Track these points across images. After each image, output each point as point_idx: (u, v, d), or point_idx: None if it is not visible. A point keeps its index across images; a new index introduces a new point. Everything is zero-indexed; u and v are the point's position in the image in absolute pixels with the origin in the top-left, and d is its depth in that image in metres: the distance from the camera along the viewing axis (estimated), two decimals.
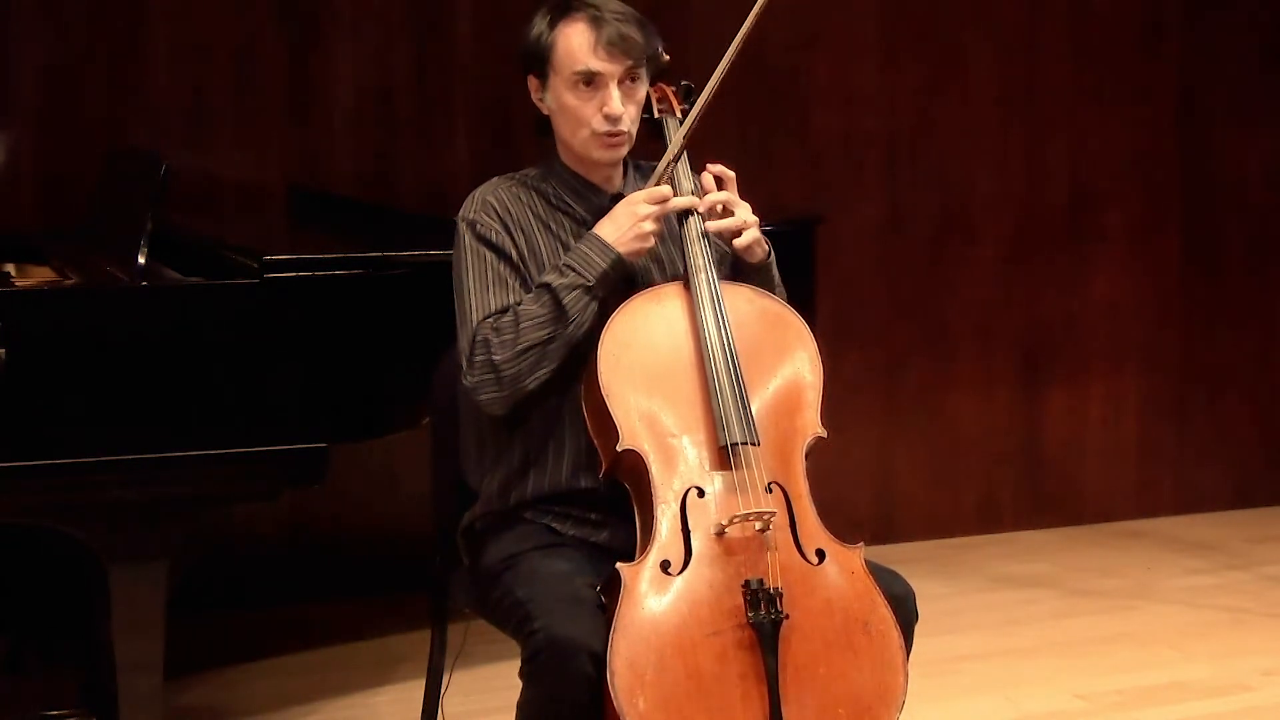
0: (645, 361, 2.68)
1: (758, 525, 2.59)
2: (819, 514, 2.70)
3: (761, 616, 2.52)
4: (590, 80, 2.77)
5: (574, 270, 2.71)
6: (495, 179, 2.91)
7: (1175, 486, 6.04)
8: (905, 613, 2.68)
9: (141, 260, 3.33)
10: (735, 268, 2.89)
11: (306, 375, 3.30)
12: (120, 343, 3.14)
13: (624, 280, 2.79)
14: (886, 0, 5.52)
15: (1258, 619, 4.82)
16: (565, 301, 2.69)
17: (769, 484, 2.65)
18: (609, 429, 2.65)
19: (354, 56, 4.95)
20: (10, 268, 3.73)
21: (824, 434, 2.76)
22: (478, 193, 2.87)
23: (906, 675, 2.61)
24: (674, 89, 2.98)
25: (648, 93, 2.88)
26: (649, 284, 2.82)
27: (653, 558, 2.57)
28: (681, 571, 2.56)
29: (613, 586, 2.56)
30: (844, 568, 2.65)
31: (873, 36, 5.51)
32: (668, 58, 2.89)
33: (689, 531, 2.59)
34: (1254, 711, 4.08)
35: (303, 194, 4.81)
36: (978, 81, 5.65)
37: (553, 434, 2.80)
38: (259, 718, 4.01)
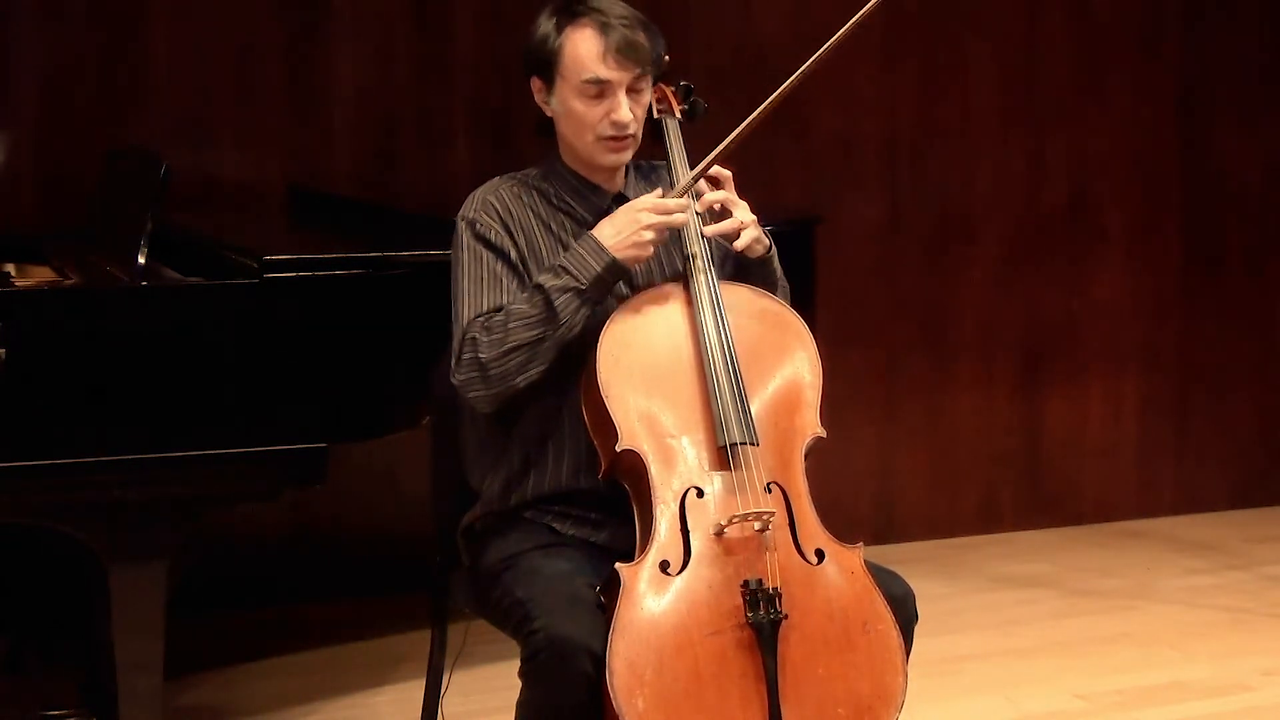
0: (644, 362, 2.68)
1: (757, 525, 2.59)
2: (819, 514, 2.70)
3: (760, 616, 2.52)
4: (599, 88, 2.76)
5: (567, 272, 2.71)
6: (496, 179, 2.91)
7: (1175, 486, 6.04)
8: (905, 613, 2.68)
9: (141, 260, 3.33)
10: (738, 264, 2.89)
11: (306, 375, 3.30)
12: (120, 343, 3.14)
13: (621, 282, 2.79)
14: (886, 0, 5.51)
15: (1258, 619, 4.82)
16: (557, 303, 2.68)
17: (768, 484, 2.65)
18: (608, 429, 2.65)
19: (354, 56, 4.95)
20: (10, 268, 3.73)
21: (823, 434, 2.76)
22: (479, 192, 2.87)
23: (906, 675, 2.62)
24: (673, 89, 2.98)
25: None
26: (648, 285, 2.82)
27: (652, 558, 2.57)
28: (681, 572, 2.56)
29: (612, 586, 2.56)
30: (843, 568, 2.65)
31: (873, 37, 5.51)
32: (668, 58, 2.89)
33: (688, 532, 2.59)
34: (1254, 711, 4.09)
35: (303, 194, 4.81)
36: (978, 81, 5.65)
37: (553, 434, 2.80)
38: (259, 718, 4.01)
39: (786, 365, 2.78)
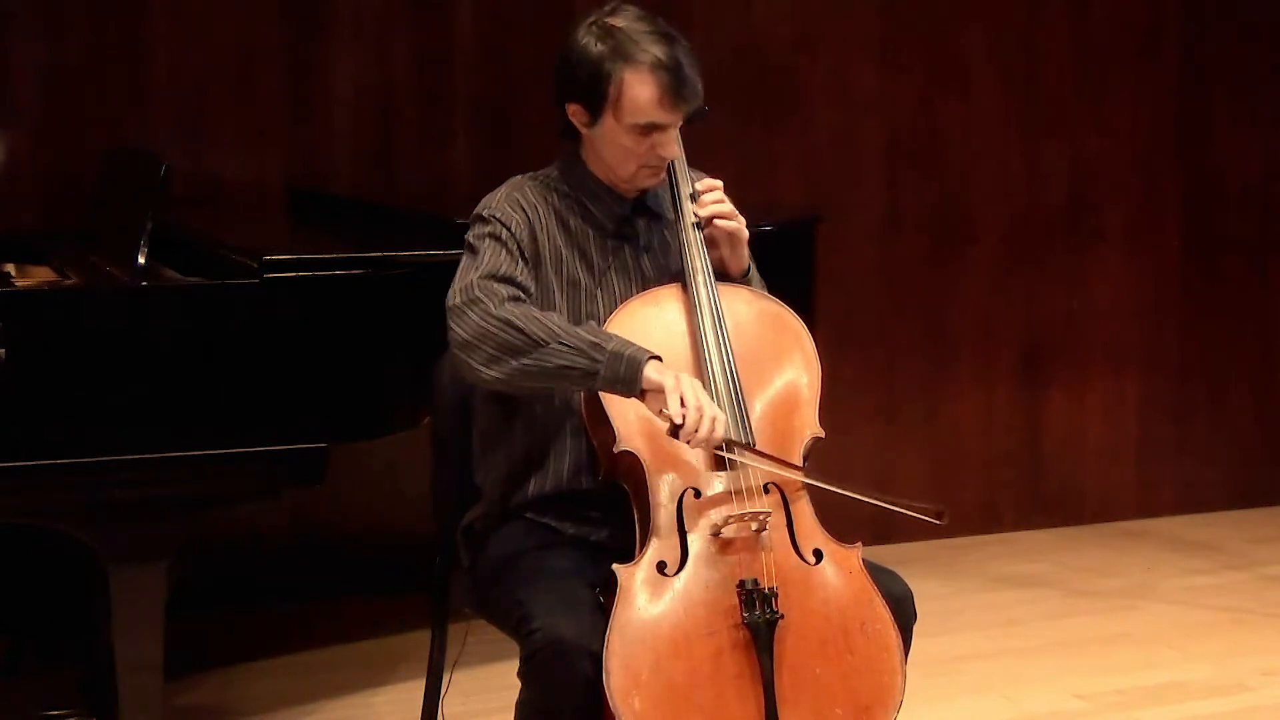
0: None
1: (754, 525, 2.60)
2: (818, 514, 2.70)
3: (756, 616, 2.52)
4: (651, 128, 2.75)
5: (601, 349, 2.59)
6: (519, 178, 2.89)
7: (1175, 486, 6.04)
8: (904, 613, 2.68)
9: (141, 260, 3.33)
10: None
11: (306, 375, 3.30)
12: (120, 343, 3.15)
13: (620, 285, 2.82)
14: (886, 0, 5.52)
15: (1258, 619, 4.82)
16: (567, 343, 2.60)
17: (765, 484, 2.66)
18: (606, 430, 2.65)
19: (354, 56, 4.95)
20: (10, 268, 3.73)
21: (821, 434, 2.76)
22: (502, 190, 2.85)
23: (904, 675, 2.62)
24: None
25: None
26: (647, 287, 2.83)
27: (649, 558, 2.57)
28: (678, 572, 2.57)
29: (610, 587, 2.56)
30: (841, 568, 2.65)
31: (873, 36, 5.51)
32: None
33: (685, 532, 2.60)
34: (1254, 711, 4.09)
35: (303, 194, 4.81)
36: (978, 81, 5.65)
37: (553, 435, 2.80)
38: (259, 718, 4.01)
39: (784, 366, 2.79)
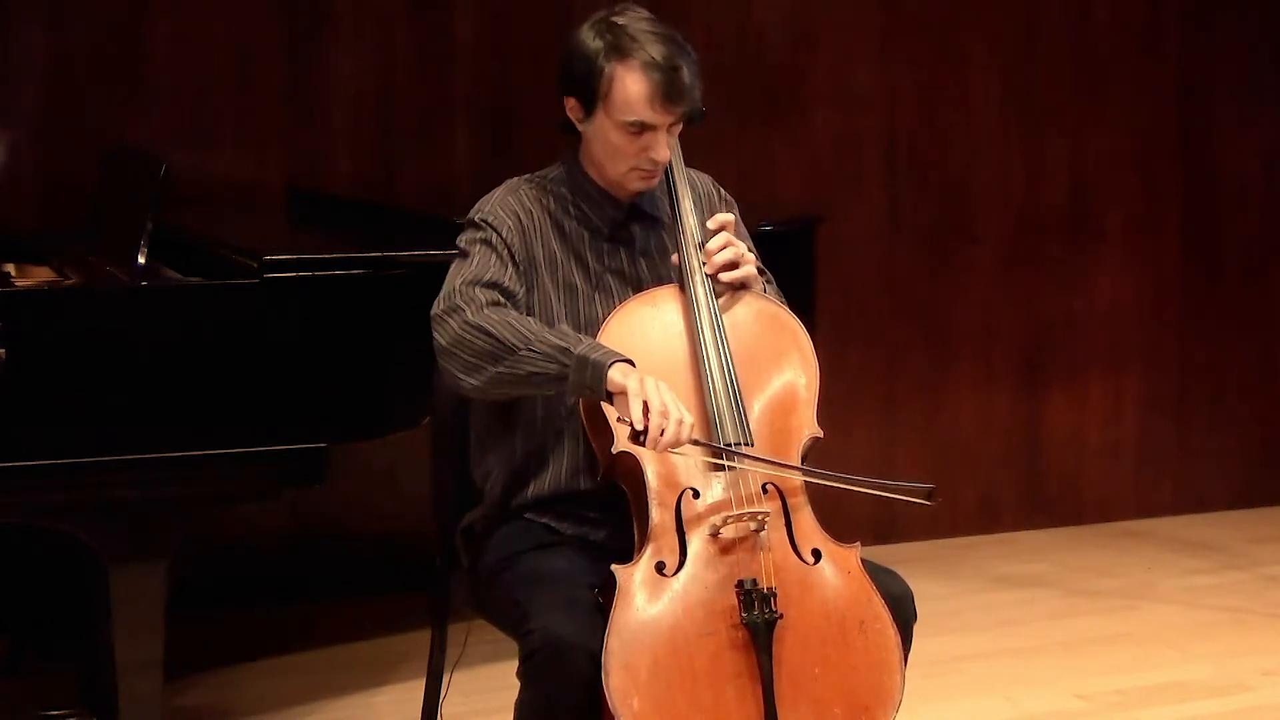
0: (640, 364, 2.67)
1: (752, 525, 2.60)
2: (817, 514, 2.70)
3: (755, 616, 2.52)
4: (641, 128, 2.74)
5: (569, 352, 2.58)
6: (515, 180, 2.89)
7: (1175, 486, 6.04)
8: (903, 612, 2.68)
9: (141, 260, 3.33)
10: None
11: (306, 375, 3.30)
12: (120, 343, 3.15)
13: (618, 286, 2.82)
14: (886, 0, 5.52)
15: (1258, 619, 4.82)
16: (536, 349, 2.59)
17: (764, 485, 2.66)
18: (604, 431, 2.65)
19: (354, 56, 4.95)
20: (10, 268, 3.73)
21: (820, 434, 2.76)
22: (496, 194, 2.85)
23: (903, 675, 2.62)
24: None
25: None
26: (644, 288, 2.82)
27: (647, 559, 2.57)
28: (677, 572, 2.57)
29: (609, 587, 2.56)
30: (840, 567, 2.65)
31: (873, 36, 5.51)
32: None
33: (684, 533, 2.60)
34: (1254, 711, 4.09)
35: (303, 194, 4.81)
36: (978, 81, 5.65)
37: (552, 437, 2.80)
38: (259, 718, 4.02)
39: (782, 365, 2.78)
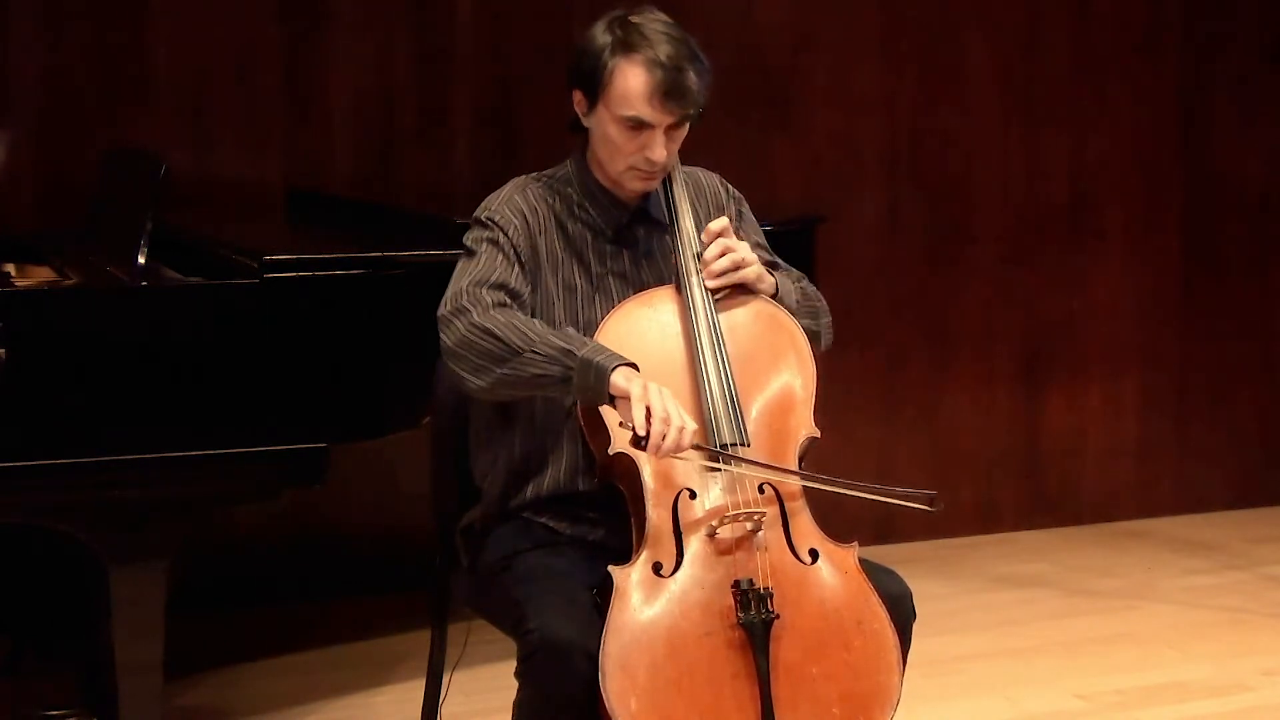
0: (637, 364, 2.67)
1: (749, 525, 2.60)
2: (816, 514, 2.70)
3: (752, 616, 2.53)
4: (639, 124, 2.74)
5: (573, 354, 2.58)
6: (522, 179, 2.89)
7: (1175, 486, 6.04)
8: (902, 612, 2.68)
9: (141, 260, 3.33)
10: None
11: (306, 375, 3.30)
12: (120, 343, 3.15)
13: (617, 286, 2.81)
14: (886, 0, 5.52)
15: (1258, 619, 4.82)
16: (540, 351, 2.59)
17: (761, 485, 2.66)
18: (601, 432, 2.65)
19: (354, 56, 4.95)
20: (10, 268, 3.73)
21: (817, 434, 2.76)
22: (504, 192, 2.85)
23: (901, 675, 2.62)
24: None
25: None
26: (642, 288, 2.82)
27: (645, 559, 2.57)
28: (674, 573, 2.57)
29: (607, 588, 2.56)
30: (837, 567, 2.65)
31: (873, 36, 5.51)
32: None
33: (681, 533, 2.60)
34: (1254, 711, 4.09)
35: (303, 194, 4.81)
36: (978, 81, 5.65)
37: (550, 437, 2.80)
38: (259, 718, 4.02)
39: (779, 366, 2.78)
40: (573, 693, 2.50)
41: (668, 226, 2.85)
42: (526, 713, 2.58)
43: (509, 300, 2.71)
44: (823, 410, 2.78)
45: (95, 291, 3.37)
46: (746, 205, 3.00)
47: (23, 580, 4.03)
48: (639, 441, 2.52)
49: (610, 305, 2.79)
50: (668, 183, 2.83)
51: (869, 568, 2.68)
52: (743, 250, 2.79)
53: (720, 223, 2.79)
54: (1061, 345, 5.85)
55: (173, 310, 3.24)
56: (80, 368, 3.10)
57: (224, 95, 4.83)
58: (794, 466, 2.71)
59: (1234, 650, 4.53)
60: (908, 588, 2.74)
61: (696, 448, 2.58)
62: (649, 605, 2.53)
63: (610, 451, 2.62)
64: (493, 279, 2.72)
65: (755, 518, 2.60)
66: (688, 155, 2.87)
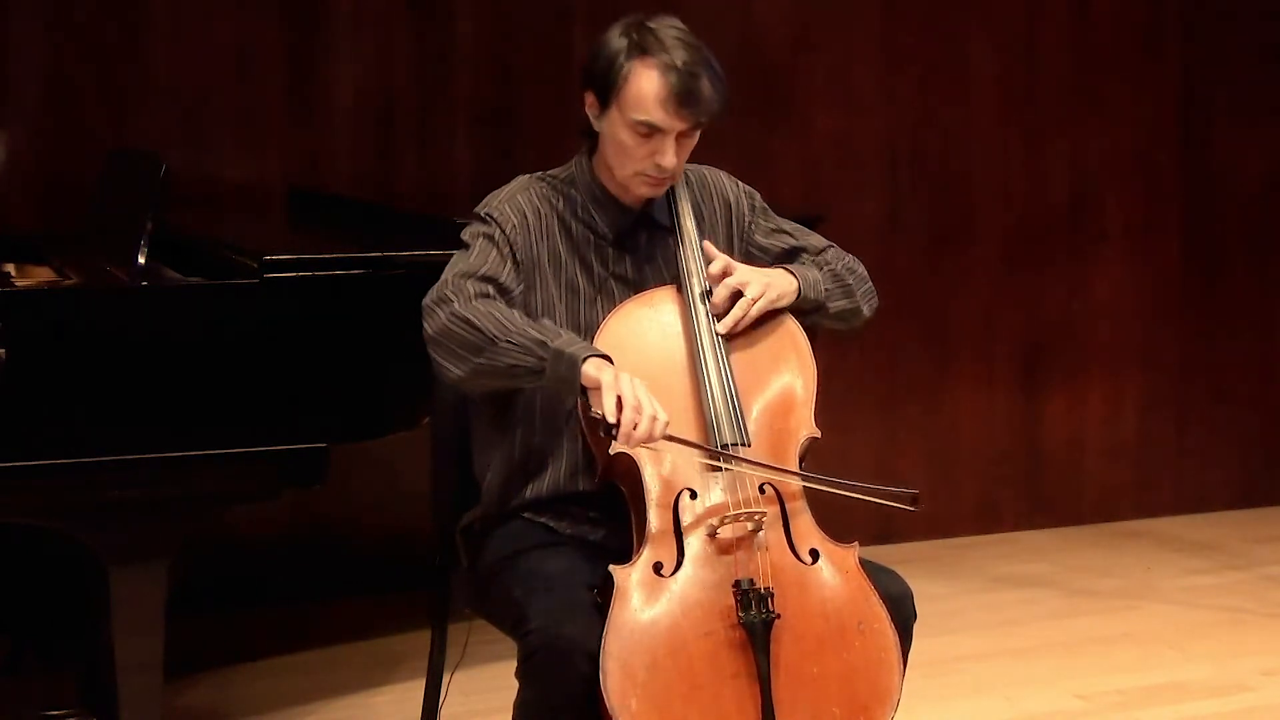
0: (638, 365, 2.67)
1: (749, 525, 2.60)
2: (816, 513, 2.70)
3: (752, 616, 2.53)
4: (650, 130, 2.74)
5: (546, 346, 2.58)
6: (527, 177, 2.88)
7: (1175, 486, 6.04)
8: (903, 612, 2.68)
9: (141, 260, 3.33)
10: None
11: (306, 375, 3.30)
12: (120, 343, 3.15)
13: (618, 287, 2.81)
14: (886, 0, 5.52)
15: (1258, 619, 4.82)
16: (515, 341, 2.59)
17: (761, 485, 2.66)
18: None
19: (354, 56, 4.95)
20: (10, 268, 3.73)
21: (818, 435, 2.76)
22: (506, 191, 2.85)
23: (902, 675, 2.62)
24: None
25: None
26: (643, 289, 2.82)
27: (645, 559, 2.58)
28: (674, 573, 2.57)
29: (608, 588, 2.56)
30: (838, 567, 2.65)
31: (873, 36, 5.51)
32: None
33: (681, 533, 2.60)
34: (1254, 711, 4.09)
35: (303, 194, 4.81)
36: (978, 81, 5.65)
37: (550, 438, 2.80)
38: (259, 718, 4.02)
39: (780, 366, 2.79)
40: (573, 692, 2.50)
41: (670, 229, 2.84)
42: (527, 713, 2.58)
43: (494, 294, 2.71)
44: (823, 410, 2.78)
45: (95, 291, 3.36)
46: (759, 197, 3.00)
47: (23, 580, 4.03)
48: (609, 430, 2.52)
49: (612, 308, 2.79)
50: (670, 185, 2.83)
51: (869, 568, 2.68)
52: (750, 284, 2.77)
53: (719, 264, 2.77)
54: (1061, 345, 5.85)
55: (173, 310, 3.24)
56: (80, 368, 3.10)
57: (224, 95, 4.83)
58: (794, 466, 2.71)
59: (1234, 650, 4.53)
60: (909, 588, 2.74)
61: (670, 438, 2.58)
62: (650, 605, 2.53)
63: (611, 451, 2.62)
64: (480, 272, 2.72)
65: (756, 518, 2.60)
66: (691, 154, 2.86)
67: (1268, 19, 6.02)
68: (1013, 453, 5.81)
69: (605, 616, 2.52)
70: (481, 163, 5.00)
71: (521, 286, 2.77)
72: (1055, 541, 5.71)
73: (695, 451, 2.63)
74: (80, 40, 4.67)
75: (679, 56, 2.71)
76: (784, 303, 2.82)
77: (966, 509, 5.74)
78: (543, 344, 2.59)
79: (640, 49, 2.72)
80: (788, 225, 3.01)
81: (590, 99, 2.79)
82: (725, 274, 2.77)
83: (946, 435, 5.71)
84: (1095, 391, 5.90)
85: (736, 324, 2.76)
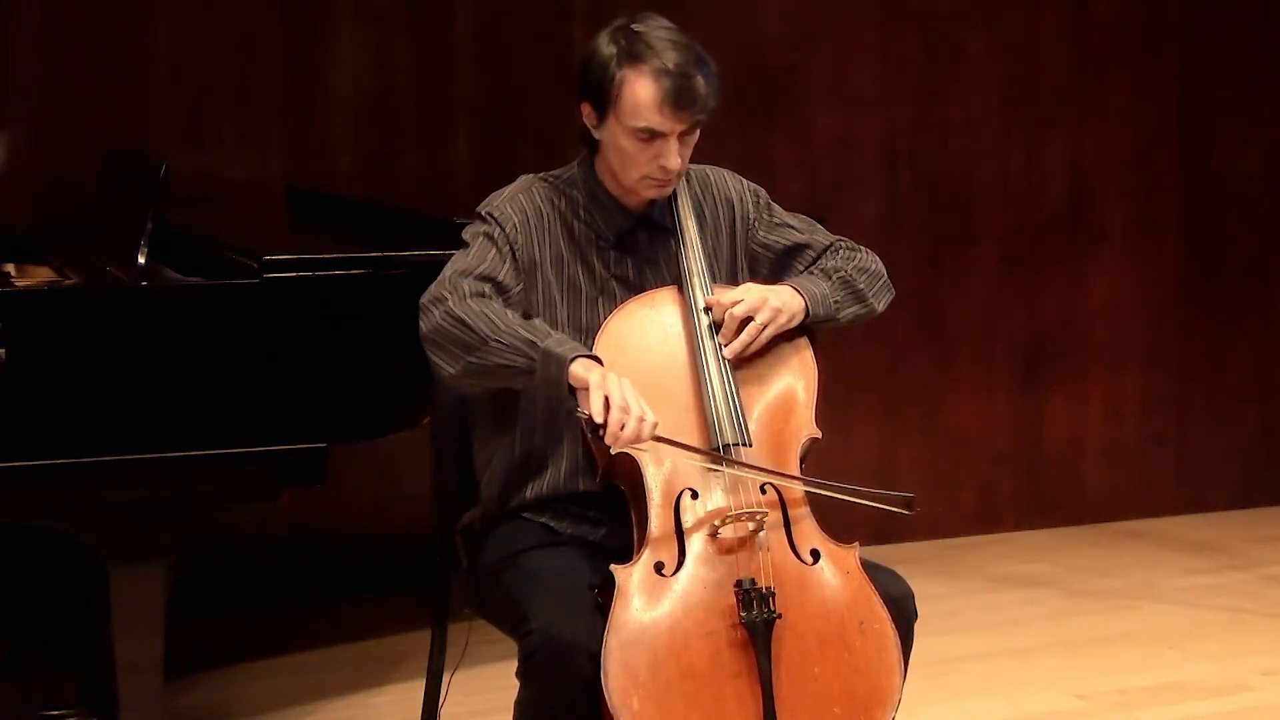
0: (639, 365, 2.68)
1: (750, 525, 2.60)
2: (817, 514, 2.70)
3: (754, 616, 2.53)
4: (651, 134, 2.73)
5: (536, 346, 2.58)
6: (530, 177, 2.88)
7: (1175, 486, 6.04)
8: (904, 612, 2.69)
9: (141, 260, 3.33)
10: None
11: (306, 375, 3.30)
12: (120, 343, 3.15)
13: (619, 287, 2.81)
14: (886, 0, 5.52)
15: (1258, 619, 4.82)
16: (505, 341, 2.59)
17: (762, 485, 2.66)
18: None
19: (354, 56, 4.95)
20: (10, 268, 3.73)
21: (818, 435, 2.76)
22: (509, 190, 2.85)
23: (903, 674, 2.62)
24: None
25: None
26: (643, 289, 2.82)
27: (646, 559, 2.58)
28: (675, 572, 2.57)
29: (609, 587, 2.57)
30: (839, 568, 2.65)
31: (872, 36, 5.51)
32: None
33: (683, 533, 2.60)
34: (1254, 711, 4.09)
35: (303, 194, 4.81)
36: (978, 81, 5.65)
37: (551, 438, 2.80)
38: (259, 718, 4.02)
39: (780, 368, 2.79)
40: (574, 692, 2.51)
41: (671, 230, 2.84)
42: (528, 712, 2.58)
43: (491, 292, 2.71)
44: (823, 410, 2.78)
45: (95, 291, 3.37)
46: (765, 194, 3.00)
47: (23, 580, 4.03)
48: (597, 430, 2.51)
49: (613, 309, 2.79)
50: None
51: (870, 568, 2.68)
52: (759, 310, 2.75)
53: (722, 298, 2.75)
54: (1061, 345, 5.85)
55: (173, 310, 3.24)
56: (80, 368, 3.10)
57: (224, 95, 4.83)
58: (795, 468, 2.71)
59: (1234, 650, 4.53)
60: (909, 588, 2.74)
61: (659, 439, 2.58)
62: (651, 605, 2.54)
63: (612, 451, 2.62)
64: (478, 270, 2.73)
65: (757, 518, 2.60)
66: (693, 154, 2.86)
67: (1267, 19, 6.02)
68: (1013, 453, 5.81)
69: (606, 616, 2.52)
70: (481, 162, 5.00)
71: (520, 285, 2.77)
72: (1055, 541, 5.71)
73: (669, 448, 2.61)
74: (80, 40, 4.67)
75: (670, 59, 2.70)
76: (793, 324, 2.81)
77: (966, 509, 5.74)
78: (532, 344, 2.59)
79: (630, 55, 2.71)
80: (795, 220, 3.01)
81: (587, 110, 2.78)
82: (730, 304, 2.75)
83: (946, 435, 5.71)
84: (1095, 391, 5.90)
85: (745, 348, 2.75)
